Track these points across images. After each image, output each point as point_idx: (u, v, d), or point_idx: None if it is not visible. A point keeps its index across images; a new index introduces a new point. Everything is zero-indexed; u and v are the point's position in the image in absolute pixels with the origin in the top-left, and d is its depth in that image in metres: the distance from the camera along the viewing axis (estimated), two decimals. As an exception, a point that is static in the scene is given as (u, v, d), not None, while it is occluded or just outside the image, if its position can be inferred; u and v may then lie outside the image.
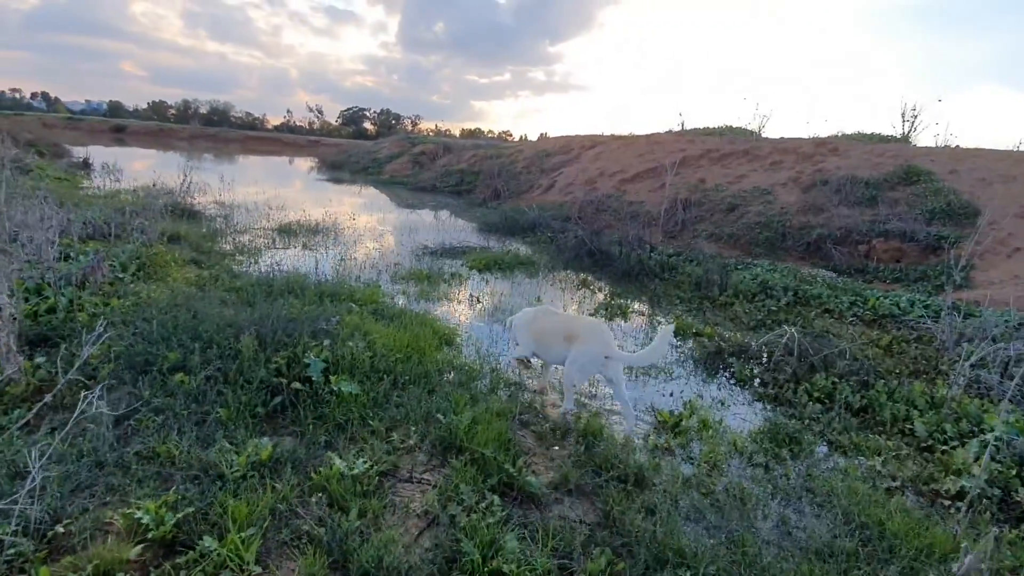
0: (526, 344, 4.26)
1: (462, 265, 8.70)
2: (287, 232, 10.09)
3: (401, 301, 6.52)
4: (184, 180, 12.20)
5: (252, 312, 4.96)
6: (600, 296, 7.51)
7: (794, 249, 9.98)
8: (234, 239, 9.16)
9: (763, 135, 15.27)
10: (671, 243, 10.97)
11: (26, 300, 4.26)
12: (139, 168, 23.95)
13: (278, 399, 3.43)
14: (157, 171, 17.83)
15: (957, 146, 12.41)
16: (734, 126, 16.13)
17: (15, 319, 3.31)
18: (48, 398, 3.02)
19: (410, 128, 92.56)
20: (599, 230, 10.71)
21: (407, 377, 4.10)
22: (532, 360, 4.78)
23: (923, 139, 13.48)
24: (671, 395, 4.58)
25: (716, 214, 11.62)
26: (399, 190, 22.06)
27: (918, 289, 7.96)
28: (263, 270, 7.17)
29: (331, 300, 5.74)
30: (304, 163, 38.22)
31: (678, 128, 17.44)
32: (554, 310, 4.49)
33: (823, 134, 14.69)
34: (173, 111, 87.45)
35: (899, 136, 13.58)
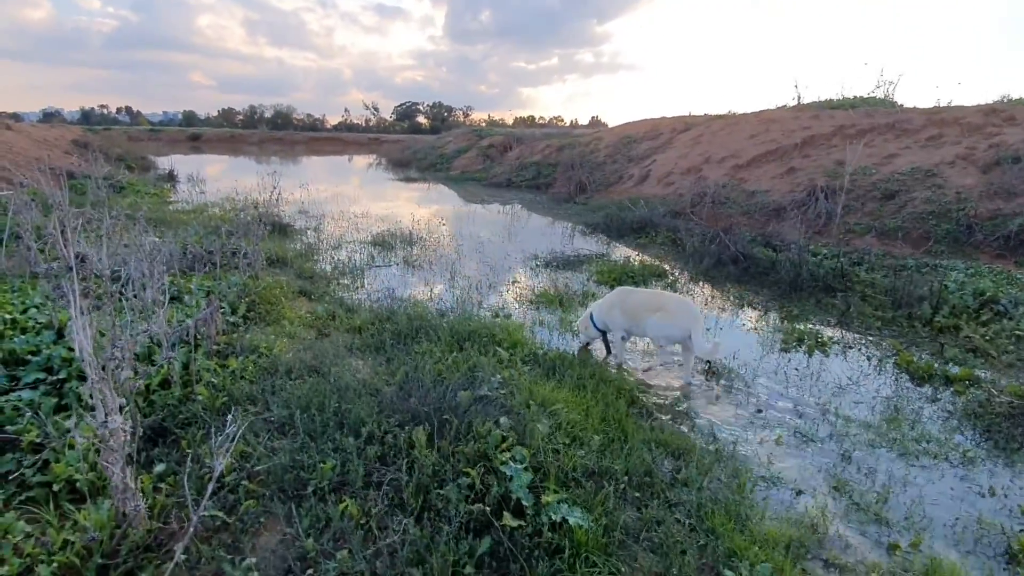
0: (618, 325, 4.62)
1: (588, 279, 7.50)
2: (382, 244, 9.26)
3: (544, 336, 5.42)
4: (273, 190, 11.68)
5: (390, 368, 4.00)
6: (772, 318, 6.11)
7: (987, 245, 8.09)
8: (331, 256, 8.40)
9: (903, 105, 13.04)
10: (817, 241, 9.29)
11: (135, 372, 3.44)
12: (213, 172, 24.38)
13: (485, 543, 2.36)
14: (237, 179, 17.78)
15: None
16: (864, 96, 13.92)
17: (135, 434, 2.41)
18: (179, 555, 2.09)
19: (462, 119, 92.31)
20: (728, 228, 9.19)
21: (625, 477, 2.96)
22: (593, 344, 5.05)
23: None
24: (984, 494, 3.19)
25: (869, 203, 9.79)
26: (473, 187, 21.12)
27: None
28: (374, 297, 6.29)
29: (471, 342, 4.71)
30: (363, 160, 38.21)
31: (793, 102, 15.37)
32: (634, 289, 4.90)
33: (977, 100, 12.31)
34: (241, 117, 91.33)
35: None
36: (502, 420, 3.30)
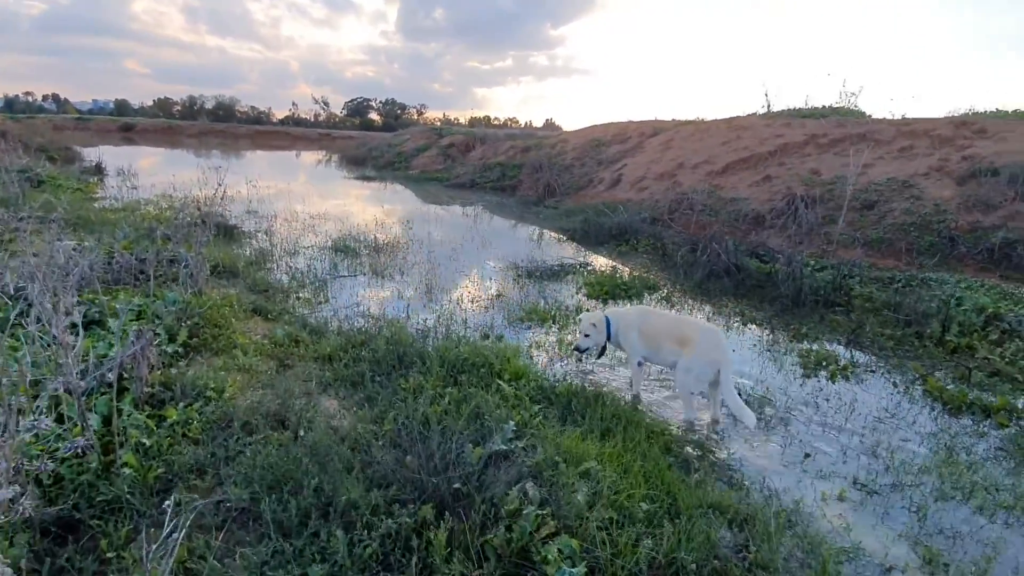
0: (635, 348, 4.06)
1: (576, 292, 6.90)
2: (345, 251, 8.34)
3: (543, 360, 4.76)
4: (219, 187, 10.47)
5: (375, 413, 3.25)
6: (781, 337, 5.69)
7: (970, 258, 8.06)
8: (287, 264, 7.42)
9: (872, 115, 13.20)
10: (800, 251, 9.07)
11: (35, 437, 2.52)
12: (147, 165, 22.37)
13: None
14: (174, 173, 16.21)
15: None
16: (833, 105, 14.06)
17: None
18: None
19: (416, 117, 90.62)
20: (712, 237, 8.83)
21: (693, 565, 2.33)
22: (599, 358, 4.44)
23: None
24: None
25: (849, 213, 9.70)
26: (435, 188, 20.24)
27: None
28: (342, 314, 5.45)
29: (467, 374, 3.99)
30: (313, 156, 36.44)
31: (763, 110, 15.39)
32: (655, 310, 4.34)
33: (932, 112, 12.60)
34: (179, 107, 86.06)
35: (1049, 113, 11.53)
36: (529, 489, 2.61)
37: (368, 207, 13.96)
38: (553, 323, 5.70)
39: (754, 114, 15.41)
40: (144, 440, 2.67)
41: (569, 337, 5.30)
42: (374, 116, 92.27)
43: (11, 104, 75.64)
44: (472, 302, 6.33)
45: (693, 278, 7.50)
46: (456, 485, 2.61)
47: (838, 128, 12.21)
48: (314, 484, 2.43)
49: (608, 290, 6.75)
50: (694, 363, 3.69)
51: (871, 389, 4.60)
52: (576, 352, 4.31)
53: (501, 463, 2.89)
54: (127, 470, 2.46)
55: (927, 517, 3.00)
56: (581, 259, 8.78)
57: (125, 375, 3.16)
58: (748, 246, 8.80)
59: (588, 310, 6.12)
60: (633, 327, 4.06)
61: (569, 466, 2.84)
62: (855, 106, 14.28)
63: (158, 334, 3.86)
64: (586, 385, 4.20)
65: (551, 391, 3.87)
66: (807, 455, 3.53)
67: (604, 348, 4.32)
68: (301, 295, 6.05)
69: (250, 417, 3.04)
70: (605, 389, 4.22)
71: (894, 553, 2.73)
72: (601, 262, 8.68)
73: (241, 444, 2.79)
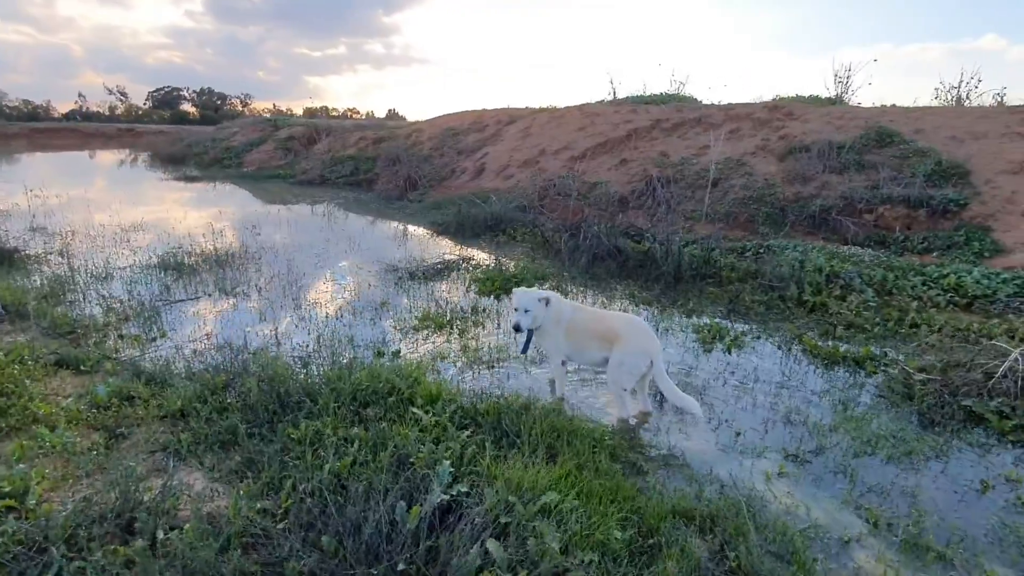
0: (557, 348, 3.79)
1: (467, 290, 6.43)
2: (178, 268, 6.85)
3: (451, 373, 4.24)
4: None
5: (262, 481, 2.51)
6: (674, 315, 5.84)
7: (798, 224, 9.22)
8: (99, 291, 5.84)
9: (703, 101, 14.58)
10: (660, 227, 9.64)
11: None
12: None
13: None
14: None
15: (893, 105, 12.74)
16: (670, 92, 15.28)
17: None
18: None
19: (240, 108, 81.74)
20: (583, 220, 8.97)
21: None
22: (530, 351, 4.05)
23: (857, 100, 13.74)
24: (978, 488, 3.08)
25: (697, 191, 10.54)
26: (278, 185, 18.15)
27: (958, 258, 7.53)
28: (190, 351, 4.36)
29: (373, 406, 3.33)
30: (114, 156, 30.75)
31: (610, 97, 16.16)
32: (578, 305, 3.96)
33: (737, 99, 14.37)
34: (-90, 102, 66.68)
35: (834, 98, 13.72)
36: (491, 547, 2.12)
37: (198, 212, 11.90)
38: (451, 328, 5.18)
39: (602, 101, 16.19)
40: None
41: (472, 343, 4.83)
42: (188, 107, 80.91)
43: None
44: (354, 314, 5.53)
45: (578, 264, 7.48)
46: (400, 567, 2.02)
47: (677, 113, 13.27)
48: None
49: (500, 284, 6.40)
50: (626, 357, 3.52)
51: (762, 355, 4.86)
52: (515, 331, 3.71)
53: (446, 519, 2.35)
54: None
55: (855, 478, 3.12)
56: (461, 254, 8.31)
57: None
58: (619, 228, 9.08)
59: (486, 312, 5.71)
60: (555, 324, 3.73)
61: (527, 504, 2.40)
62: (686, 93, 15.69)
63: None
64: (505, 394, 3.80)
65: (475, 411, 3.37)
66: (738, 434, 3.53)
67: (530, 340, 3.80)
68: (125, 332, 4.72)
69: (75, 529, 2.09)
70: (527, 395, 3.86)
71: (843, 521, 2.77)
72: (482, 256, 8.30)
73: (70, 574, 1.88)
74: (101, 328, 4.74)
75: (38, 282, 5.91)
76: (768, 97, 13.97)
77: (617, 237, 7.90)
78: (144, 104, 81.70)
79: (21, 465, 2.43)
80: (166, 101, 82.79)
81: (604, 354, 3.65)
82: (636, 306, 6.08)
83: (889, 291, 6.39)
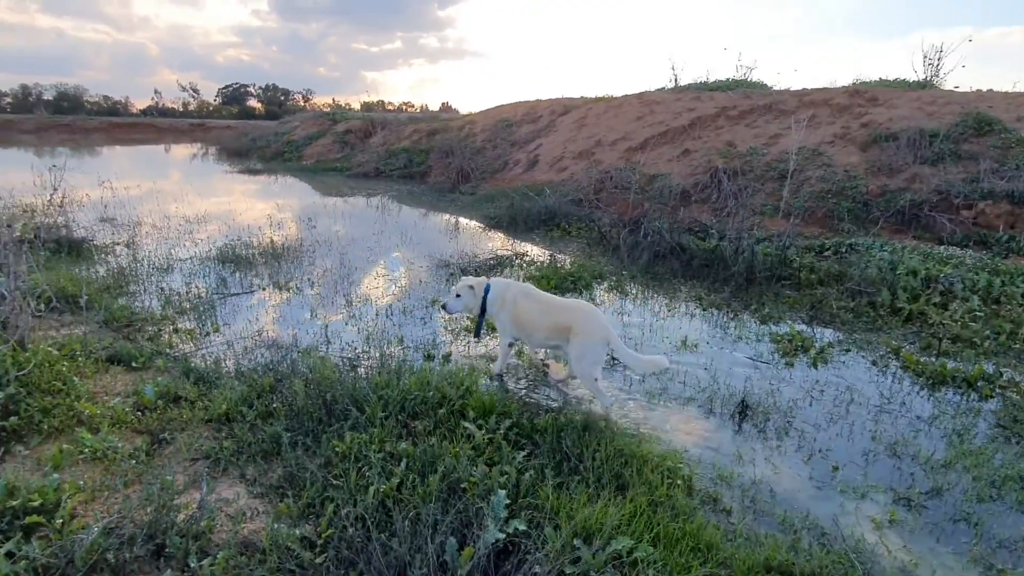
0: (506, 329, 3.86)
1: (520, 289, 6.12)
2: (236, 261, 6.90)
3: (510, 384, 3.95)
4: (54, 192, 8.37)
5: (302, 504, 2.29)
6: (748, 321, 5.32)
7: (885, 221, 8.34)
8: (158, 284, 5.92)
9: (775, 87, 13.59)
10: (728, 224, 8.98)
11: None
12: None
13: None
14: (1, 175, 13.21)
15: (991, 90, 11.40)
16: (737, 79, 14.34)
17: None
18: None
19: (302, 103, 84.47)
20: (644, 215, 8.45)
21: None
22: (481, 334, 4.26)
23: (949, 85, 12.41)
24: None
25: (767, 183, 9.78)
26: (335, 178, 18.43)
27: (1083, 263, 6.54)
28: (240, 347, 4.27)
29: (422, 419, 3.09)
30: (186, 150, 32.36)
31: (671, 84, 15.38)
32: (532, 290, 3.88)
33: (815, 83, 13.22)
34: (9, 99, 73.05)
35: (923, 82, 12.44)
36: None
37: (258, 204, 12.17)
38: (504, 330, 4.89)
39: (663, 89, 15.42)
40: None
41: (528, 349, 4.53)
42: (254, 103, 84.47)
43: None
44: (404, 312, 5.34)
45: (638, 262, 7.01)
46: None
47: (745, 100, 12.41)
48: None
49: (555, 283, 6.05)
50: (586, 348, 3.45)
51: (855, 371, 4.30)
52: (443, 311, 4.01)
53: (502, 563, 2.06)
54: None
55: (980, 529, 2.60)
56: (514, 249, 8.01)
57: None
58: (681, 224, 8.52)
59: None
60: (504, 309, 3.80)
61: (596, 552, 2.07)
62: (755, 79, 14.69)
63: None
64: (564, 408, 3.47)
65: (532, 428, 3.07)
66: (835, 468, 3.05)
67: (481, 324, 3.96)
68: (180, 326, 4.71)
69: (101, 554, 1.93)
70: (585, 409, 3.52)
71: (978, 591, 2.29)
72: (536, 251, 7.97)
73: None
74: (158, 321, 4.76)
75: (102, 272, 6.06)
76: (845, 82, 12.83)
77: (680, 234, 7.37)
78: (214, 100, 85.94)
79: (56, 475, 2.32)
80: (234, 97, 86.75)
81: (555, 342, 3.67)
82: (704, 310, 5.59)
83: (996, 299, 5.61)
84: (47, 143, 35.24)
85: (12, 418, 2.78)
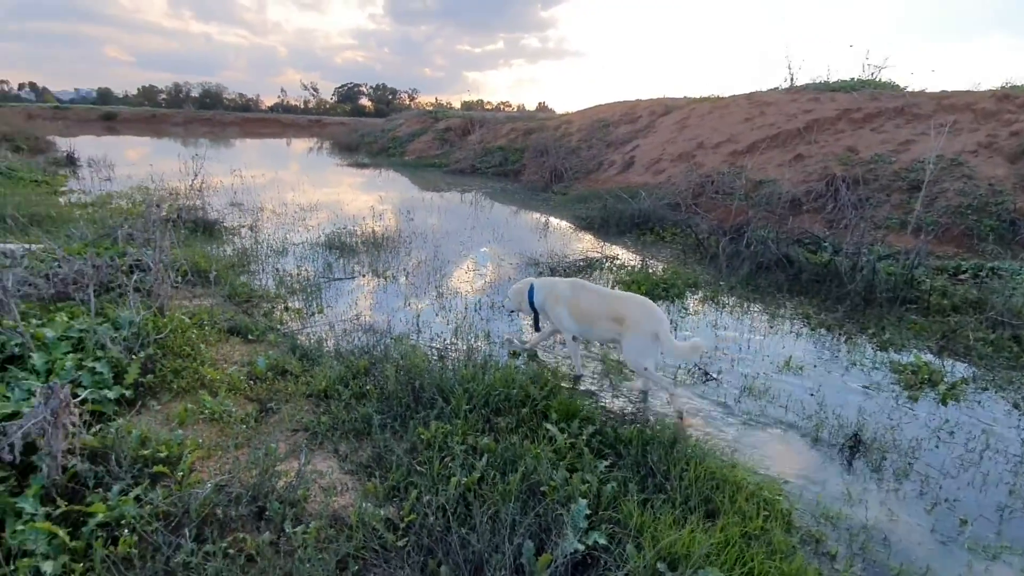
0: (569, 325, 3.90)
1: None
2: (340, 248, 7.38)
3: (592, 388, 3.86)
4: (195, 177, 9.46)
5: (387, 485, 2.36)
6: (863, 344, 4.80)
7: (1041, 243, 7.19)
8: (274, 265, 6.47)
9: (907, 88, 12.21)
10: (845, 237, 8.18)
11: None
12: (127, 156, 21.21)
13: None
14: (153, 163, 15.12)
15: None
16: (862, 78, 13.05)
17: None
18: None
19: (408, 102, 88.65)
20: (747, 223, 7.91)
21: None
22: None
23: None
24: None
25: (894, 194, 8.80)
26: (433, 174, 19.17)
27: None
28: (340, 329, 4.53)
29: (504, 415, 3.10)
30: (304, 144, 35.16)
31: (785, 84, 14.34)
32: (585, 283, 4.00)
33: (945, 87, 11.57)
34: (164, 96, 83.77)
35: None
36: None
37: (362, 196, 12.95)
38: (591, 333, 4.79)
39: (776, 89, 14.39)
40: (45, 569, 1.76)
41: (616, 356, 4.41)
42: (365, 102, 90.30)
43: (-14, 93, 73.42)
44: (492, 308, 5.41)
45: (738, 272, 6.59)
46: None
47: (872, 102, 11.25)
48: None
49: (647, 289, 5.85)
50: (636, 340, 3.52)
51: (992, 414, 3.74)
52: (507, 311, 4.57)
53: (579, 574, 2.00)
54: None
55: None
56: (604, 251, 7.85)
57: (30, 454, 2.24)
58: (790, 234, 7.89)
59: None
60: (562, 301, 3.90)
61: (678, 578, 1.95)
62: (881, 79, 13.27)
63: (99, 374, 2.93)
64: (650, 420, 3.33)
65: (616, 437, 2.97)
66: (963, 522, 2.67)
67: (538, 317, 4.23)
68: (290, 305, 5.11)
69: (212, 508, 2.13)
70: (669, 421, 3.35)
71: None
72: (627, 256, 7.75)
73: (194, 562, 1.88)
74: (272, 299, 5.19)
75: (228, 252, 6.73)
76: (992, 84, 11.17)
77: (788, 244, 6.83)
78: (331, 99, 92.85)
79: (180, 431, 2.59)
80: (348, 96, 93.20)
81: (612, 335, 3.70)
82: (812, 329, 5.13)
83: None
84: (192, 135, 39.94)
85: (149, 375, 3.16)
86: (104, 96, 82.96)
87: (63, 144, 19.20)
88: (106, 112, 52.31)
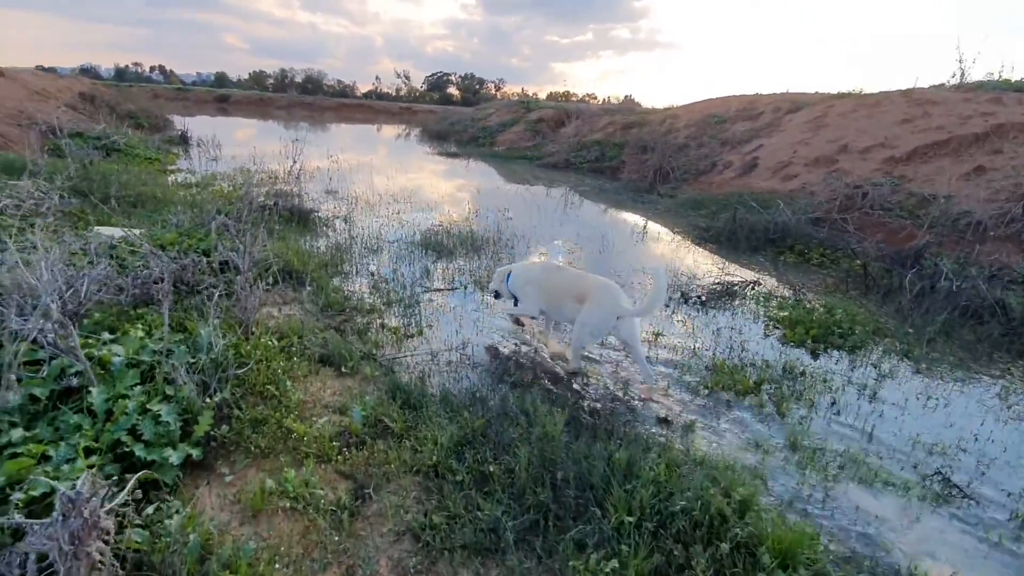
0: (533, 302, 4.03)
1: (764, 334, 4.80)
2: (437, 248, 6.67)
3: (778, 492, 2.80)
4: (293, 164, 9.18)
5: None
6: None
7: None
8: (368, 266, 5.86)
9: None
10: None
11: None
12: (235, 136, 22.12)
13: None
14: (256, 144, 15.40)
15: None
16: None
17: None
18: None
19: (494, 92, 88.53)
20: (922, 249, 6.33)
21: None
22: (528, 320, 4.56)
23: None
24: None
25: None
26: (524, 167, 18.33)
27: None
28: (443, 362, 3.75)
29: (680, 542, 2.12)
30: (393, 130, 35.57)
31: (954, 80, 12.08)
32: (560, 265, 4.14)
33: None
34: (271, 81, 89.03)
35: None
36: None
37: (454, 187, 12.33)
38: (759, 394, 3.69)
39: (941, 86, 12.16)
40: None
41: (807, 442, 3.30)
42: (453, 91, 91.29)
43: (121, 74, 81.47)
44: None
45: (929, 317, 5.15)
46: None
47: (1086, 104, 9.02)
48: None
49: (816, 333, 4.62)
50: (590, 316, 3.58)
51: None
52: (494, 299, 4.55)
53: None
54: None
55: None
56: (736, 273, 6.61)
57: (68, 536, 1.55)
58: (990, 268, 6.25)
59: (825, 381, 4.08)
60: (533, 282, 3.99)
61: None
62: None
63: (164, 423, 2.28)
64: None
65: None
66: None
67: (516, 301, 4.22)
68: (387, 322, 4.41)
69: None
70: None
71: None
72: (771, 281, 6.46)
73: None
74: (366, 312, 4.52)
75: (322, 246, 6.22)
76: None
77: (1001, 287, 5.29)
78: (421, 87, 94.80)
79: (251, 543, 1.85)
80: (437, 85, 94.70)
81: (575, 313, 3.69)
82: (1069, 416, 3.72)
83: None
84: (293, 119, 41.76)
85: (224, 426, 2.48)
86: (220, 79, 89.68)
87: (180, 123, 20.26)
88: (220, 95, 56.16)
